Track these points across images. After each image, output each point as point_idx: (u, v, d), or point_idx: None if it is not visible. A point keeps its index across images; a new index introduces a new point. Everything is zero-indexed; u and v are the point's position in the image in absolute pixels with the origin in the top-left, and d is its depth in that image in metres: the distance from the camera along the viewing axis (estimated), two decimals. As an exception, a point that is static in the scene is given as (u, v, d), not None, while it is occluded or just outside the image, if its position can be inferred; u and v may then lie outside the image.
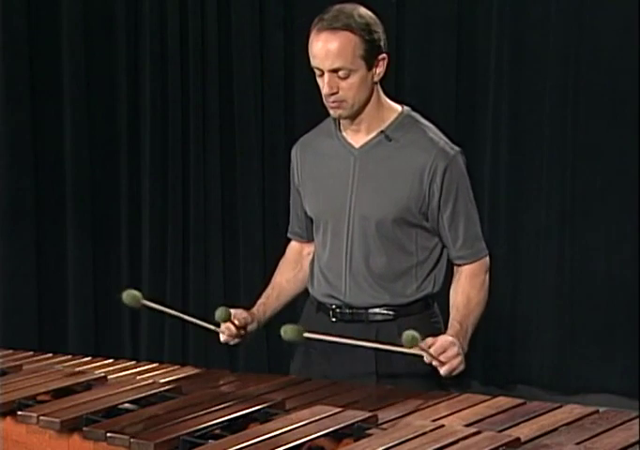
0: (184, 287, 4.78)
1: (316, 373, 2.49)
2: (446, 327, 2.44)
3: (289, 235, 2.75)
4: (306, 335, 2.29)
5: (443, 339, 2.28)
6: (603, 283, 4.48)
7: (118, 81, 4.65)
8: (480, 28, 4.65)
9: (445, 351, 2.26)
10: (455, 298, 2.48)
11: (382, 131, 2.49)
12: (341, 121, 2.52)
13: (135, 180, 4.71)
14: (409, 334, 2.13)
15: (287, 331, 2.25)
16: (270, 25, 4.75)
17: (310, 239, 2.68)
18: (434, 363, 2.25)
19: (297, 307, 2.74)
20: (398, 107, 2.55)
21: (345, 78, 2.39)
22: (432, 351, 2.23)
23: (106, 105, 4.64)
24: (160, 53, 4.69)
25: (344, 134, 2.53)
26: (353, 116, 2.47)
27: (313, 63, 2.41)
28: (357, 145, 2.51)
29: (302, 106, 4.56)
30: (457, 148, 2.54)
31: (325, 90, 2.41)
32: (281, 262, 2.74)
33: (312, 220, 2.63)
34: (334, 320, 2.52)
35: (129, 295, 2.48)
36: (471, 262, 2.51)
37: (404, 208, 2.45)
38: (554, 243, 4.55)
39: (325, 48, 2.37)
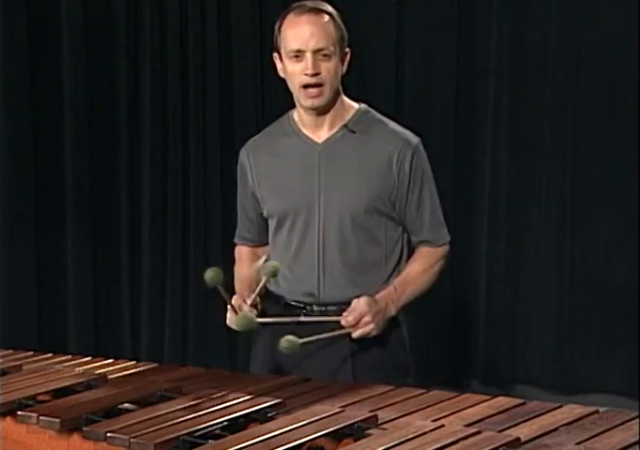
0: (184, 287, 4.78)
1: (285, 364, 2.52)
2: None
3: (237, 241, 2.77)
4: (259, 320, 2.40)
5: (358, 309, 2.39)
6: (603, 283, 4.48)
7: (118, 81, 4.65)
8: (479, 28, 4.65)
9: (361, 318, 2.39)
10: (402, 270, 2.57)
11: (345, 125, 2.54)
12: (302, 118, 2.56)
13: (135, 180, 4.72)
14: (289, 339, 2.29)
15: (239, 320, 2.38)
16: (270, 25, 4.75)
17: (261, 243, 2.72)
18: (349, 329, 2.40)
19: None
20: (355, 104, 2.61)
21: (326, 60, 2.45)
22: (350, 319, 2.38)
23: (106, 105, 4.64)
24: (160, 54, 4.70)
25: (304, 131, 2.57)
26: (324, 108, 2.51)
27: (294, 46, 2.44)
28: (319, 141, 2.55)
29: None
30: (418, 138, 2.61)
31: (309, 70, 2.44)
32: (238, 266, 2.75)
33: (265, 223, 2.65)
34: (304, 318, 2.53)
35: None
36: (432, 248, 2.60)
37: (377, 197, 2.52)
38: (554, 243, 4.55)
39: (309, 28, 2.43)
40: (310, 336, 2.39)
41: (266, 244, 2.70)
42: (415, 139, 2.59)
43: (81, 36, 4.51)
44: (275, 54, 2.55)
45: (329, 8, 2.50)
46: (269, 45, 5.09)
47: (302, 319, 2.48)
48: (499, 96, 4.61)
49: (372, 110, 2.62)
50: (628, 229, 4.37)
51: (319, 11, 2.46)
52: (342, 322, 2.40)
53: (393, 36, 4.73)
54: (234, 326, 2.44)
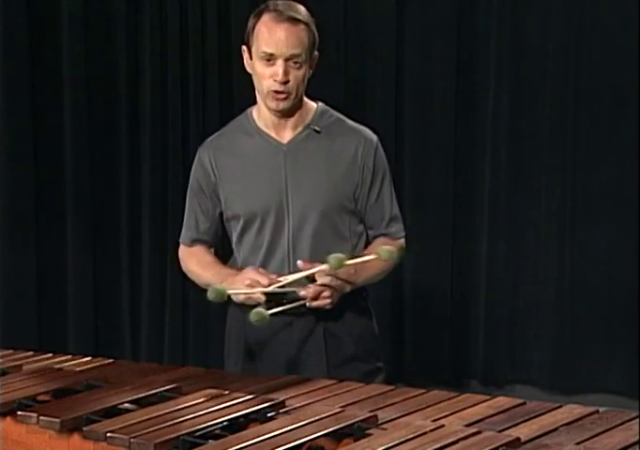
0: (184, 287, 4.78)
1: (261, 358, 2.59)
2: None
3: (189, 242, 2.73)
4: (230, 291, 2.45)
5: (320, 283, 2.47)
6: (603, 283, 4.47)
7: (118, 81, 4.65)
8: (479, 28, 4.65)
9: (322, 292, 2.48)
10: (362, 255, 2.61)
11: (308, 125, 2.59)
12: (264, 118, 2.59)
13: (135, 180, 4.72)
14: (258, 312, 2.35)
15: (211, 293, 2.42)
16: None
17: (214, 245, 2.73)
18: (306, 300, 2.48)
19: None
20: (313, 103, 2.64)
21: (297, 68, 2.48)
22: (311, 292, 2.47)
23: (106, 105, 4.64)
24: (160, 54, 4.69)
25: (266, 131, 2.59)
26: (290, 110, 2.55)
27: (266, 49, 2.47)
28: (284, 141, 2.58)
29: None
30: (376, 135, 2.66)
31: (279, 77, 2.47)
32: (198, 259, 2.70)
33: (222, 225, 2.67)
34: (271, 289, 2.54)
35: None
36: (390, 240, 2.67)
37: (343, 195, 2.58)
38: (554, 243, 4.55)
39: (286, 35, 2.46)
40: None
41: (216, 246, 2.73)
42: (374, 136, 2.65)
43: (81, 36, 4.51)
44: (244, 48, 2.58)
45: (305, 17, 2.51)
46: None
47: (269, 290, 2.48)
48: (499, 96, 4.61)
49: (329, 108, 2.66)
50: (628, 229, 4.37)
51: (296, 21, 2.48)
52: (303, 293, 2.47)
53: (393, 36, 4.73)
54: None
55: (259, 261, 2.57)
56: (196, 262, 2.71)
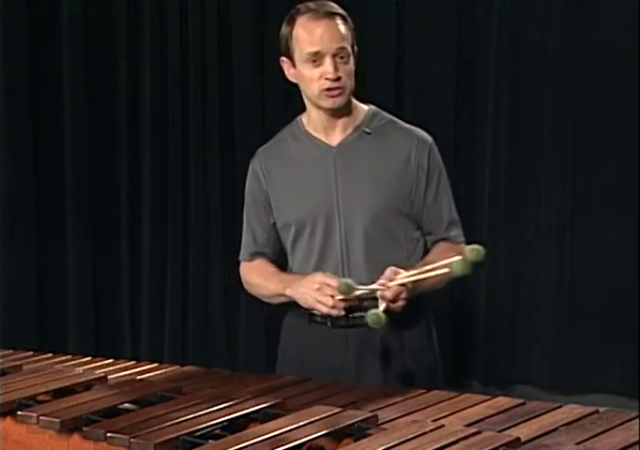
0: (184, 288, 4.78)
1: (316, 359, 2.51)
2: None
3: (249, 257, 2.65)
4: (359, 287, 2.32)
5: (396, 288, 2.30)
6: (603, 283, 4.47)
7: (118, 81, 4.66)
8: (479, 28, 4.65)
9: (400, 294, 2.31)
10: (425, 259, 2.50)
11: (358, 127, 2.53)
12: (314, 122, 2.53)
13: (135, 181, 4.72)
14: (374, 314, 2.23)
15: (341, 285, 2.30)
16: (270, 25, 4.75)
17: (275, 259, 2.64)
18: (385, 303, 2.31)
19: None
20: (364, 105, 2.59)
21: (346, 62, 2.45)
22: (389, 296, 2.29)
23: (106, 106, 4.64)
24: (160, 54, 4.70)
25: (316, 135, 2.54)
26: (343, 109, 2.49)
27: (312, 48, 2.42)
28: (333, 144, 2.52)
29: (302, 106, 4.56)
30: (430, 137, 2.58)
31: (331, 74, 2.42)
32: (260, 272, 2.62)
33: (278, 235, 2.59)
34: (330, 325, 2.48)
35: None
36: (451, 244, 2.55)
37: (397, 197, 2.49)
38: (554, 243, 4.55)
39: (329, 30, 2.41)
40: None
41: (277, 260, 2.64)
42: (429, 136, 2.56)
43: (81, 36, 4.51)
44: (283, 59, 2.50)
45: (341, 10, 2.47)
46: (269, 45, 5.12)
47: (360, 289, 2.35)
48: (499, 96, 4.61)
49: (381, 111, 2.60)
50: (628, 229, 4.37)
51: (334, 15, 2.44)
52: (380, 295, 2.30)
53: (393, 36, 4.73)
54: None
55: (311, 268, 2.49)
56: (257, 275, 2.63)
